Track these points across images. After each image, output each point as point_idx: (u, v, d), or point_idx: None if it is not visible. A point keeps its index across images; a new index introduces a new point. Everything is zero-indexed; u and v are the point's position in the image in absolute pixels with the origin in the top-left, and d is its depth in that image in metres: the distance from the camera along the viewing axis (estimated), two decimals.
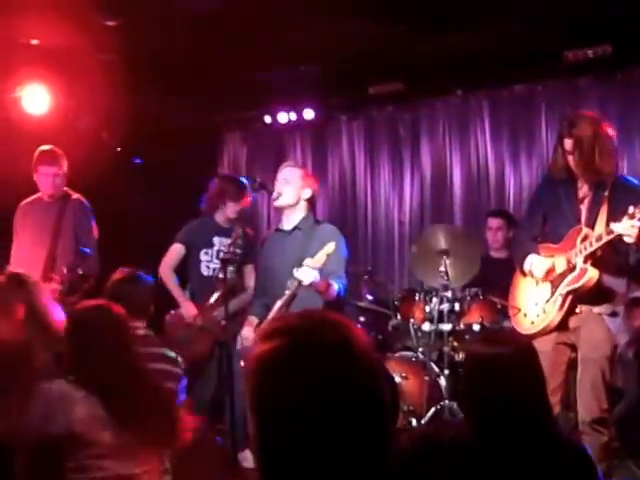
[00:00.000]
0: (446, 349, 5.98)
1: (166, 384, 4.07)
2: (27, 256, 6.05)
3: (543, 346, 4.60)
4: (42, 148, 6.05)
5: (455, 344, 6.05)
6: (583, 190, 4.62)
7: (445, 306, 6.05)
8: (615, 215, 4.32)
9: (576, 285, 4.45)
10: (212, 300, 5.87)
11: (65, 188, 6.15)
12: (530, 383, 2.60)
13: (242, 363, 4.99)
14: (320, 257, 4.69)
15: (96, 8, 5.79)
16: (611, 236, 4.28)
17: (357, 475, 1.47)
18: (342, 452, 1.46)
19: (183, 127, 8.10)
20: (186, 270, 6.32)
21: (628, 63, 6.92)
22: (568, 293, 4.50)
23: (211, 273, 6.10)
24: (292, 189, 5.15)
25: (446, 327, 6.00)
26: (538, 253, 4.69)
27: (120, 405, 3.11)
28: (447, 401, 5.71)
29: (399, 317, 6.37)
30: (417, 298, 6.29)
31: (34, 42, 6.48)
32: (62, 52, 6.48)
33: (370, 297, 6.78)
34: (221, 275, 5.87)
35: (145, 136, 7.95)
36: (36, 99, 6.97)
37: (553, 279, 4.58)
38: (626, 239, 4.21)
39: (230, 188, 6.16)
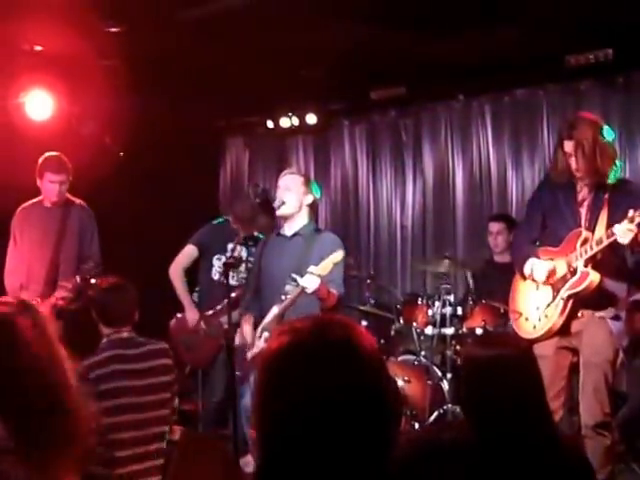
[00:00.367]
0: (449, 353, 6.00)
1: (161, 378, 4.22)
2: (27, 261, 6.06)
3: (545, 350, 4.61)
4: (48, 154, 6.05)
5: (458, 348, 6.06)
6: (583, 193, 4.62)
7: (448, 310, 6.06)
8: (615, 218, 4.33)
9: (578, 289, 4.45)
10: (219, 307, 5.90)
11: (67, 195, 6.18)
12: (528, 385, 2.59)
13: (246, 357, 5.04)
14: (327, 265, 4.72)
15: (99, 14, 5.81)
16: (611, 239, 4.29)
17: (357, 476, 1.47)
18: (342, 452, 1.46)
19: (186, 132, 8.12)
20: (196, 273, 6.34)
21: (629, 67, 6.92)
22: (569, 297, 4.50)
23: (221, 279, 6.05)
24: (294, 196, 5.17)
25: (449, 331, 6.01)
26: (537, 257, 4.68)
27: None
28: (450, 405, 5.72)
29: (402, 321, 6.38)
30: (420, 302, 6.31)
31: (37, 48, 6.48)
32: (65, 58, 6.49)
33: (373, 301, 6.79)
34: (224, 280, 5.99)
35: (148, 141, 7.97)
36: (39, 105, 6.98)
37: (554, 283, 4.57)
38: (619, 240, 4.22)
39: (259, 222, 6.17)
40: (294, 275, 4.94)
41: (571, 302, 4.51)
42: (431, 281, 7.68)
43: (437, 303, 6.12)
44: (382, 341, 6.60)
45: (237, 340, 5.18)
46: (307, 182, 5.30)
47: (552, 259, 4.61)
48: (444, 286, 6.17)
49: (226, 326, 5.59)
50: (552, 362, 4.62)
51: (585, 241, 4.46)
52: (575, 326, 4.58)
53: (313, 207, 5.31)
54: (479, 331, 5.92)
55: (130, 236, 7.30)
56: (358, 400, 1.48)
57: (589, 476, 2.62)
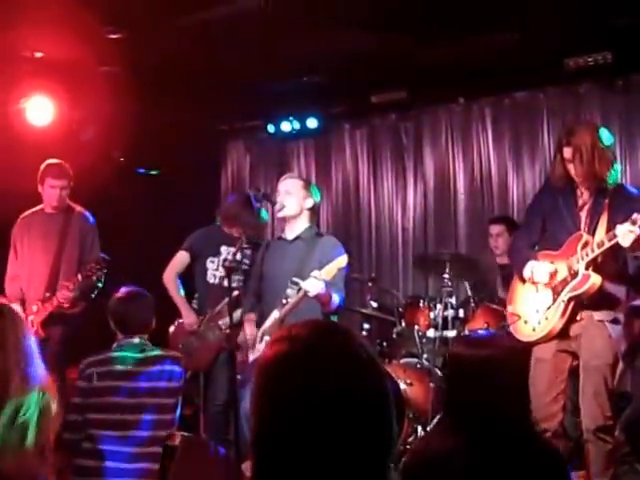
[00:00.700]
0: None
1: (162, 383, 4.27)
2: (28, 269, 6.09)
3: (544, 354, 4.62)
4: (49, 161, 6.11)
5: None
6: (583, 198, 4.63)
7: (450, 312, 6.06)
8: (615, 222, 4.35)
9: (579, 291, 4.46)
10: (217, 309, 5.90)
11: (67, 201, 6.21)
12: (509, 385, 2.61)
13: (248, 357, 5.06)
14: (331, 269, 4.73)
15: (99, 20, 5.83)
16: (612, 242, 4.30)
17: None
18: (339, 460, 1.44)
19: (186, 137, 8.13)
20: (193, 279, 6.35)
21: (628, 70, 6.95)
22: (570, 299, 4.50)
23: (217, 281, 6.13)
24: (294, 200, 5.18)
25: (451, 333, 6.01)
26: (537, 259, 4.69)
27: None
28: None
29: (403, 324, 6.38)
30: (421, 304, 6.31)
31: (38, 55, 6.50)
32: (66, 64, 6.52)
33: (374, 304, 6.79)
34: (225, 284, 6.00)
35: (148, 146, 7.99)
36: (40, 110, 7.00)
37: (554, 286, 4.58)
38: (620, 241, 4.23)
39: (245, 219, 6.16)
40: (295, 279, 4.96)
41: (572, 305, 4.52)
42: (433, 283, 7.70)
43: (439, 306, 6.12)
44: (384, 344, 6.61)
45: (240, 337, 5.19)
46: (307, 186, 5.32)
47: (552, 262, 4.61)
48: (446, 289, 6.16)
49: (224, 328, 5.69)
50: (551, 365, 4.63)
51: (586, 244, 4.47)
52: (574, 329, 4.58)
53: (314, 211, 5.32)
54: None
55: (131, 241, 7.30)
56: (355, 407, 1.46)
57: (563, 475, 2.66)
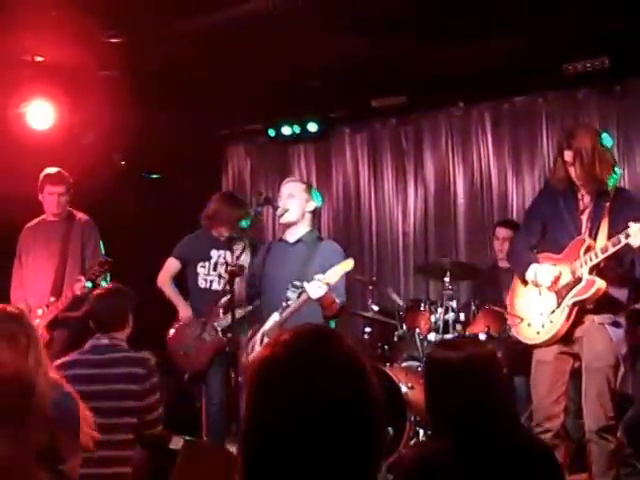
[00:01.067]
0: None
1: (124, 386, 4.21)
2: (33, 277, 6.13)
3: (546, 356, 4.63)
4: (48, 170, 6.16)
5: None
6: (584, 201, 4.64)
7: (450, 316, 6.06)
8: (616, 227, 4.36)
9: (584, 296, 4.47)
10: (217, 310, 5.95)
11: (69, 208, 6.24)
12: (490, 385, 2.67)
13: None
14: (336, 272, 4.74)
15: (99, 25, 5.84)
16: (619, 246, 4.31)
17: None
18: (325, 462, 1.45)
19: (187, 141, 8.14)
20: (186, 283, 6.41)
21: (625, 75, 6.98)
22: (575, 304, 4.51)
23: (208, 285, 6.22)
24: (297, 203, 5.19)
25: (452, 337, 6.00)
26: (539, 262, 4.69)
27: None
28: None
29: (405, 327, 6.38)
30: (422, 308, 6.31)
31: (38, 59, 6.51)
32: (66, 68, 6.53)
33: (375, 307, 6.78)
34: (215, 287, 6.18)
35: (149, 150, 7.99)
36: (40, 115, 7.01)
37: (558, 290, 4.58)
38: (631, 241, 4.22)
39: (224, 214, 6.21)
40: (297, 282, 4.97)
41: (576, 309, 4.53)
42: (434, 287, 7.70)
43: (440, 309, 6.12)
44: (385, 347, 6.61)
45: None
46: (309, 189, 5.34)
47: (555, 265, 4.62)
48: (446, 292, 6.16)
49: (220, 330, 5.85)
50: (552, 368, 4.64)
51: (588, 249, 4.48)
52: (576, 332, 4.59)
53: (315, 214, 5.34)
54: (482, 336, 5.90)
55: (131, 245, 7.30)
56: (339, 411, 1.46)
57: (554, 469, 2.71)
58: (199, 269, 6.26)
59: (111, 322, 4.39)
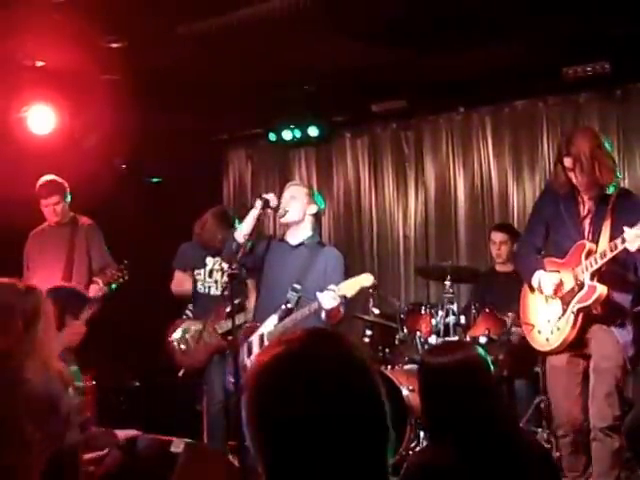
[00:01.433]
0: None
1: None
2: (40, 284, 6.10)
3: (557, 361, 4.66)
4: (41, 180, 6.21)
5: None
6: (585, 205, 4.65)
7: (451, 319, 6.07)
8: (618, 230, 4.36)
9: (587, 303, 4.49)
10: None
11: (72, 213, 6.28)
12: (479, 387, 2.70)
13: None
14: (353, 286, 4.75)
15: (100, 29, 5.85)
16: (617, 250, 4.32)
17: None
18: (332, 465, 1.44)
19: (188, 145, 8.15)
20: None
21: (626, 80, 6.99)
22: (579, 310, 4.53)
23: (206, 291, 6.39)
24: (298, 205, 5.19)
25: (455, 339, 6.00)
26: (544, 267, 4.70)
27: None
28: None
29: (405, 330, 6.37)
30: (423, 311, 6.31)
31: (39, 63, 6.52)
32: (67, 73, 6.54)
33: (376, 310, 6.78)
34: (213, 292, 6.33)
35: (150, 155, 8.00)
36: (41, 119, 7.02)
37: (563, 296, 4.59)
38: (628, 246, 4.24)
39: (210, 233, 6.35)
40: (296, 285, 4.98)
41: (582, 315, 4.54)
42: (434, 290, 7.71)
43: (440, 312, 6.12)
44: (386, 350, 6.62)
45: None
46: (311, 193, 5.35)
47: (558, 271, 4.63)
48: (447, 295, 6.17)
49: (220, 331, 5.97)
50: (565, 372, 4.68)
51: (589, 253, 4.49)
52: (585, 335, 4.61)
53: (317, 218, 5.34)
54: (483, 340, 5.91)
55: (132, 249, 7.28)
56: (354, 406, 1.47)
57: (551, 469, 2.74)
58: (196, 276, 6.43)
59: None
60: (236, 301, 5.62)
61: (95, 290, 5.93)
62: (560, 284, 4.57)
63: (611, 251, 4.35)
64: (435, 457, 2.63)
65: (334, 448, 1.43)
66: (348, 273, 5.14)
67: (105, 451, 4.04)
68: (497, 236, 6.81)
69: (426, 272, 7.48)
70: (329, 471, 1.44)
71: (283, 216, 5.20)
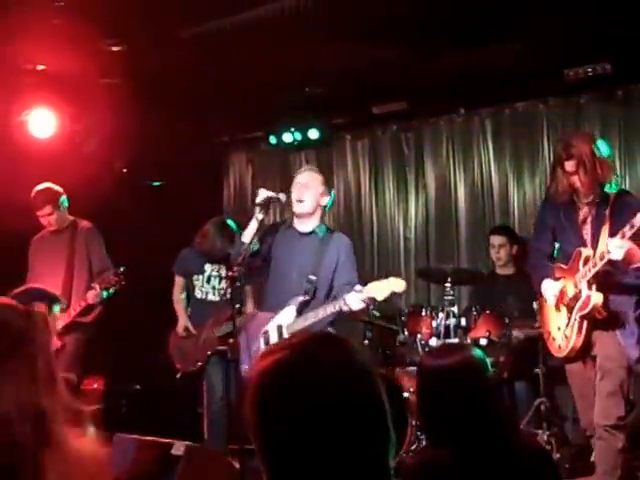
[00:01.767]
0: None
1: None
2: (42, 283, 6.15)
3: (572, 366, 4.73)
4: (34, 191, 6.20)
5: None
6: (584, 211, 4.68)
7: (452, 321, 6.06)
8: (615, 232, 4.38)
9: (585, 311, 4.56)
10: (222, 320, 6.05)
11: (71, 217, 6.29)
12: (477, 390, 2.68)
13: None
14: (382, 291, 4.69)
15: (100, 33, 5.86)
16: (603, 261, 4.42)
17: None
18: (335, 467, 1.45)
19: (188, 148, 8.15)
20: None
21: (628, 81, 6.98)
22: (582, 317, 4.60)
23: (204, 297, 6.48)
24: (312, 194, 5.08)
25: (453, 342, 6.00)
26: (553, 274, 4.77)
27: None
28: None
29: (406, 332, 6.37)
30: (424, 313, 6.31)
31: (40, 67, 6.53)
32: (68, 76, 6.54)
33: (377, 312, 6.78)
34: (211, 298, 6.41)
35: (151, 158, 8.01)
36: (42, 123, 7.04)
37: (567, 303, 4.67)
38: (612, 257, 4.29)
39: (208, 244, 6.40)
40: (312, 277, 4.95)
41: (586, 322, 4.60)
42: (435, 292, 7.70)
43: (441, 314, 6.12)
44: (387, 352, 6.62)
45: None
46: (326, 183, 5.24)
47: (565, 277, 4.72)
48: (448, 297, 6.17)
49: (217, 334, 6.05)
50: (579, 376, 4.79)
51: (587, 260, 4.55)
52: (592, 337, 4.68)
53: (324, 210, 5.29)
54: (483, 341, 5.92)
55: (132, 252, 7.30)
56: (356, 411, 1.47)
57: (550, 465, 2.74)
58: (195, 282, 6.51)
59: None
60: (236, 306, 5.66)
61: (92, 296, 5.93)
62: (562, 293, 4.64)
63: (600, 260, 4.41)
64: (434, 458, 2.63)
65: (336, 451, 1.44)
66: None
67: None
68: (496, 239, 6.82)
69: (427, 274, 7.47)
70: (331, 473, 1.44)
71: (297, 205, 5.06)
